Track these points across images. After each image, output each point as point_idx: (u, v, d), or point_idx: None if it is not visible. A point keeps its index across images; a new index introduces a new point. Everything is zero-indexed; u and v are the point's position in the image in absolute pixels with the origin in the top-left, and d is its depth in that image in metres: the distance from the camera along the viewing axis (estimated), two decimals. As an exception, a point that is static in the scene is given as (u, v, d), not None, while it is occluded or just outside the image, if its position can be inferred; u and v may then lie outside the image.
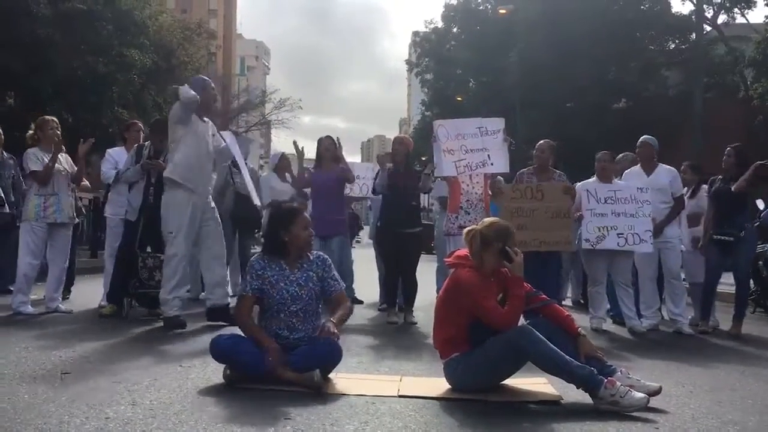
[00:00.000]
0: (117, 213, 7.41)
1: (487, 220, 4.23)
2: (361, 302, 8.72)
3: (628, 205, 6.91)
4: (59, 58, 21.78)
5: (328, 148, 7.54)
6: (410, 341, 6.15)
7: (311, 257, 4.26)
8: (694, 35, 27.15)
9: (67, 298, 7.80)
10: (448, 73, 36.78)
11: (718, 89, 26.78)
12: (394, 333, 6.58)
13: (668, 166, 7.47)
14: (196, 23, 32.07)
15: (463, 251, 4.08)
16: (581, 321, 7.33)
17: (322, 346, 4.02)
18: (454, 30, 36.87)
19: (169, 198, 6.26)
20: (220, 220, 6.57)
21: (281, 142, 53.56)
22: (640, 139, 7.56)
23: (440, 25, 37.49)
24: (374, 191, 7.67)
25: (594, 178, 7.26)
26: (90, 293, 8.01)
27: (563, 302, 8.81)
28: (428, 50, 37.54)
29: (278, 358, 3.88)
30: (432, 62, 37.24)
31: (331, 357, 4.05)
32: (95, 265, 11.98)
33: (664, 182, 7.22)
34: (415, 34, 42.12)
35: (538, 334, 3.72)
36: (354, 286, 8.84)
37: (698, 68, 22.58)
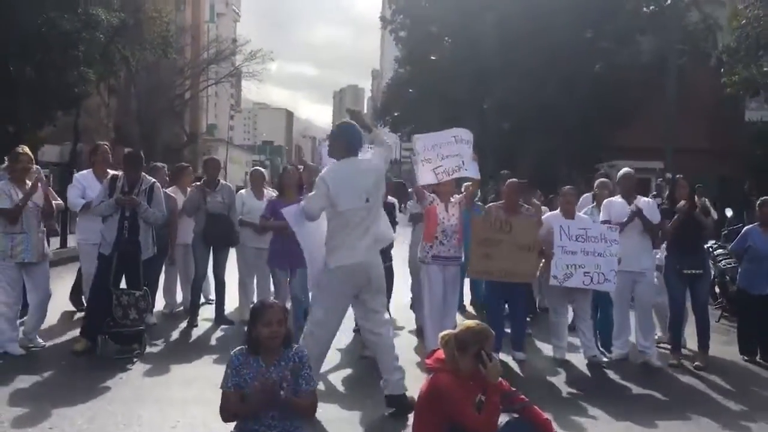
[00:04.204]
0: (88, 239, 7.32)
1: (464, 323, 4.22)
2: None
3: (598, 244, 7.02)
4: (22, 12, 21.11)
5: (292, 177, 7.65)
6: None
7: (290, 352, 4.23)
8: (668, 1, 27.05)
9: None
10: (423, 30, 36.25)
11: (690, 56, 26.81)
12: (367, 371, 6.56)
13: (646, 198, 7.63)
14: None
15: (443, 353, 4.10)
16: (544, 349, 7.56)
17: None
18: (430, -15, 36.18)
19: None
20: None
21: (252, 93, 53.02)
22: (622, 171, 7.71)
23: (416, -20, 36.73)
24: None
25: (558, 212, 7.44)
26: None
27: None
28: (403, 7, 36.83)
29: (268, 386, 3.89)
30: (407, 20, 36.59)
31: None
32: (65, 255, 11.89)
33: (645, 212, 7.28)
34: (390, -11, 41.30)
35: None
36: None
37: (673, 34, 22.55)
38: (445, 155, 7.31)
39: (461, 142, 7.41)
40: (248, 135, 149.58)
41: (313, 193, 5.44)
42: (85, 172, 7.76)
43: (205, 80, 47.41)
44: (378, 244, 5.64)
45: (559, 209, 7.45)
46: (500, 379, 4.01)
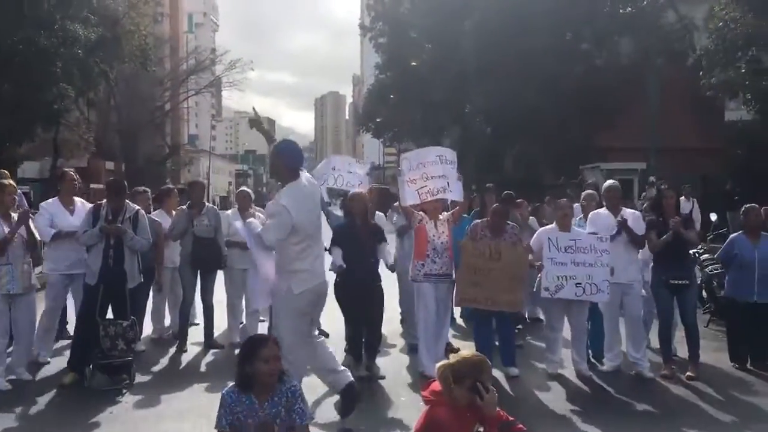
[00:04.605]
0: (56, 269, 7.20)
1: (461, 353, 4.18)
2: (327, 335, 8.69)
3: (588, 255, 7.01)
4: (-1, 30, 20.98)
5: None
6: (381, 405, 6.19)
7: (282, 387, 4.18)
8: (645, 2, 27.34)
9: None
10: (403, 36, 36.32)
11: (668, 56, 27.01)
12: (362, 393, 6.54)
13: (631, 210, 7.65)
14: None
15: (438, 384, 4.06)
16: (537, 363, 7.51)
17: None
18: (408, -8, 36.28)
19: None
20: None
21: (233, 102, 53.21)
22: (607, 184, 7.73)
23: (394, -14, 36.83)
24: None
25: (554, 225, 7.37)
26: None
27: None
28: (382, 14, 36.90)
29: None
30: (386, 27, 36.66)
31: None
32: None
33: (630, 224, 7.29)
34: (369, -4, 41.39)
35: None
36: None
37: (651, 35, 22.80)
38: (430, 176, 7.41)
39: (446, 163, 7.49)
40: (230, 144, 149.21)
41: (273, 222, 5.18)
42: (51, 200, 7.54)
43: (185, 91, 47.19)
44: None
45: (555, 223, 7.39)
46: (498, 409, 3.99)
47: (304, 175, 5.43)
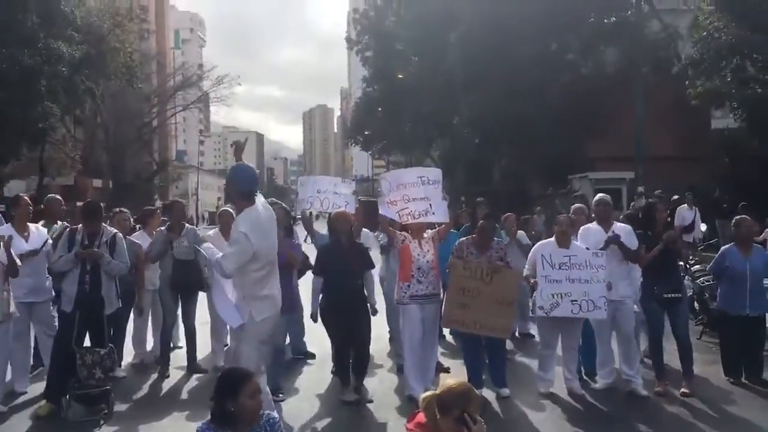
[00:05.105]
0: (14, 297, 6.83)
1: (447, 382, 4.01)
2: (313, 356, 8.53)
3: (583, 271, 6.84)
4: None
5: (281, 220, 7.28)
6: (369, 430, 6.01)
7: (260, 421, 4.00)
8: (630, 12, 27.43)
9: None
10: (389, 49, 36.35)
11: (654, 65, 27.09)
12: (349, 416, 6.40)
13: (622, 224, 7.51)
14: (127, 9, 30.98)
15: (423, 416, 3.89)
16: (529, 381, 7.35)
17: None
18: (394, 5, 36.32)
19: None
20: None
21: (221, 117, 53.31)
22: (597, 197, 7.60)
23: (379, 0, 36.90)
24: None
25: (552, 239, 7.19)
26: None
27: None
28: (368, 27, 36.94)
29: None
30: (372, 40, 36.70)
31: None
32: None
33: (622, 239, 7.14)
34: (355, 11, 41.49)
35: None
36: (305, 339, 8.69)
37: (636, 44, 22.84)
38: (411, 198, 7.20)
39: (428, 184, 7.28)
40: (219, 159, 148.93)
41: (233, 249, 4.95)
42: (5, 226, 7.23)
43: (172, 107, 47.10)
44: None
45: (553, 237, 7.19)
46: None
47: (259, 199, 5.24)
